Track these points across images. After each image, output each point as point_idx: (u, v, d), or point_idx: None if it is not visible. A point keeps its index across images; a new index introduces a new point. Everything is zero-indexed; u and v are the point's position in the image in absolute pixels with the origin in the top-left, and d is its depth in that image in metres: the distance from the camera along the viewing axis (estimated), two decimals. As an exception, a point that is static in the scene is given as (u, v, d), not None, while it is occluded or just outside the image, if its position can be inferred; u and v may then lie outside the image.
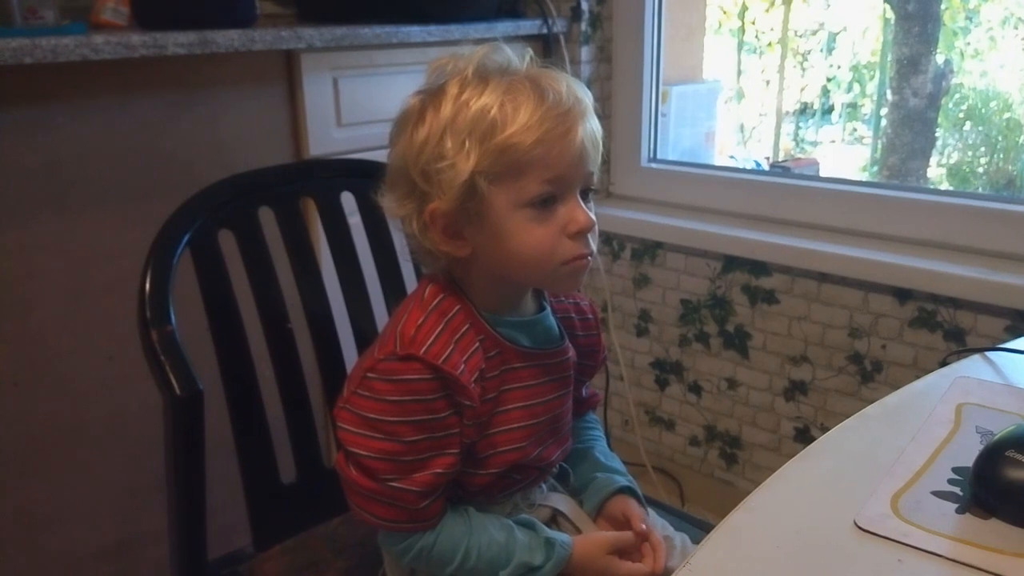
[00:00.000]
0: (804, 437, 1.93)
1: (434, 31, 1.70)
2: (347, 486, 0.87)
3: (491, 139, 0.80)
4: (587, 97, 0.85)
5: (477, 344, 0.87)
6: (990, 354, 0.94)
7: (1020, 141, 2.62)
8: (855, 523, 0.63)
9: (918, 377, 1.71)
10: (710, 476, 2.13)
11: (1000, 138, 2.65)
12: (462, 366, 0.84)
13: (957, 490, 0.68)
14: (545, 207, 0.83)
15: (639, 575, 0.92)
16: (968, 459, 0.69)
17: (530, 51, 0.87)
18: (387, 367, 0.83)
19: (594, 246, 0.86)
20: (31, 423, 1.42)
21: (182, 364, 0.91)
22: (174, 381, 0.90)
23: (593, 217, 0.85)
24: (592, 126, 0.85)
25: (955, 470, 0.70)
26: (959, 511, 0.66)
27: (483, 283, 0.89)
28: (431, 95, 0.84)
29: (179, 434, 0.93)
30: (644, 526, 0.95)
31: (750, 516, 0.65)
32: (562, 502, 1.00)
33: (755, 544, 0.63)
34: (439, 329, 0.85)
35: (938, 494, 0.67)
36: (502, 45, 0.85)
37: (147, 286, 0.95)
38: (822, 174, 2.44)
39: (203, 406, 0.92)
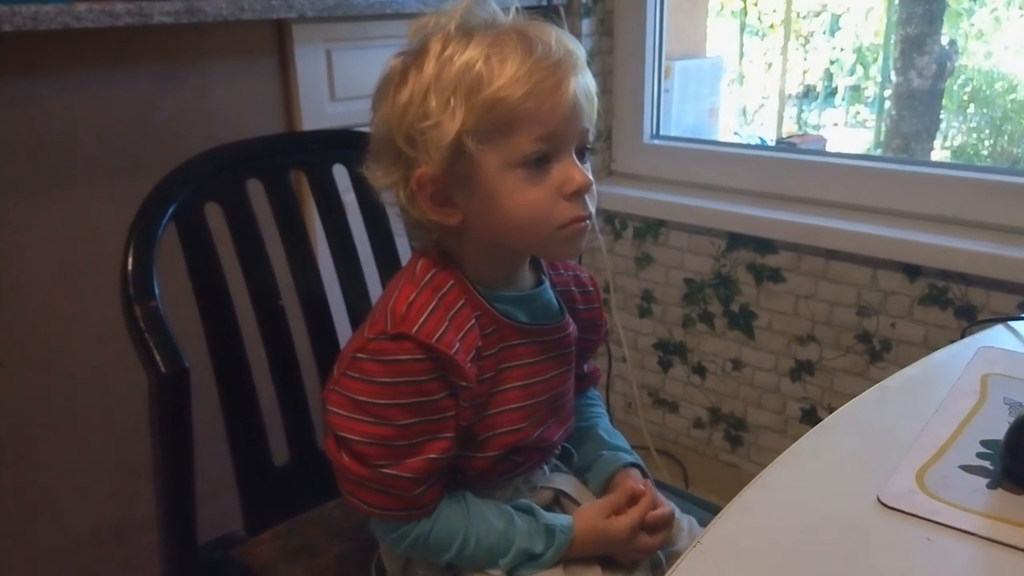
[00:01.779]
0: (811, 418, 1.89)
1: (430, 1, 1.66)
2: (338, 472, 0.83)
3: (477, 94, 0.76)
4: (579, 49, 0.81)
5: (473, 321, 0.83)
6: (1013, 323, 0.89)
7: (1024, 123, 2.60)
8: (879, 499, 0.59)
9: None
10: (715, 459, 2.09)
11: (1005, 120, 2.62)
12: (457, 344, 0.80)
13: (987, 464, 0.64)
14: (539, 167, 0.79)
15: (634, 523, 0.88)
16: (997, 431, 0.65)
17: (517, 3, 0.83)
18: (377, 347, 0.79)
19: (592, 208, 0.82)
20: (19, 407, 1.39)
21: (167, 340, 0.88)
22: (159, 358, 0.87)
23: (591, 176, 0.81)
24: (585, 79, 0.80)
25: (984, 443, 0.67)
26: (990, 486, 0.62)
27: (477, 255, 0.85)
28: (413, 55, 0.80)
29: (165, 413, 0.89)
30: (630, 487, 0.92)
31: (764, 493, 0.61)
32: (566, 482, 0.97)
33: (770, 522, 0.59)
34: (432, 306, 0.81)
35: (967, 468, 0.64)
36: None
37: (130, 261, 0.91)
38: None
39: (189, 384, 0.88)
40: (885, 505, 0.59)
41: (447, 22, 0.79)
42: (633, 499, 0.90)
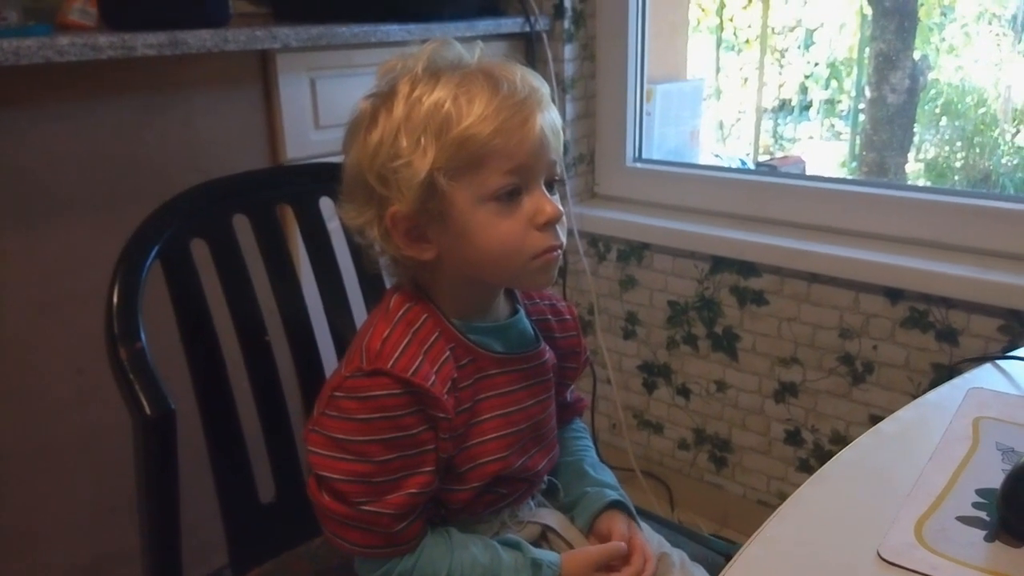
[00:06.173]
0: (795, 439, 1.90)
1: (414, 30, 1.66)
2: (320, 513, 0.83)
3: (447, 133, 0.77)
4: (543, 86, 0.83)
5: (448, 353, 0.83)
6: (1001, 362, 0.90)
7: (995, 136, 2.62)
8: (879, 554, 0.59)
9: (910, 378, 1.69)
10: (699, 480, 2.09)
11: (976, 133, 2.65)
12: (433, 377, 0.80)
13: (983, 515, 0.64)
14: (510, 200, 0.80)
15: None
16: (991, 480, 0.65)
17: (480, 44, 0.84)
18: (354, 384, 0.80)
19: (563, 238, 0.83)
20: (-2, 439, 1.36)
21: (152, 383, 0.86)
22: (144, 401, 0.85)
23: (560, 208, 0.82)
24: (551, 115, 0.82)
25: (979, 492, 0.67)
26: (988, 539, 0.62)
27: (451, 288, 0.86)
28: (382, 97, 0.81)
29: (150, 456, 0.88)
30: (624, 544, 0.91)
31: (767, 548, 0.61)
32: (552, 518, 0.96)
33: (773, 578, 0.59)
34: (406, 340, 0.81)
35: (964, 520, 0.64)
36: (451, 40, 0.83)
37: (115, 300, 0.90)
38: (807, 172, 2.41)
39: (176, 426, 0.87)
40: (885, 560, 0.59)
41: (414, 64, 0.81)
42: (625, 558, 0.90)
